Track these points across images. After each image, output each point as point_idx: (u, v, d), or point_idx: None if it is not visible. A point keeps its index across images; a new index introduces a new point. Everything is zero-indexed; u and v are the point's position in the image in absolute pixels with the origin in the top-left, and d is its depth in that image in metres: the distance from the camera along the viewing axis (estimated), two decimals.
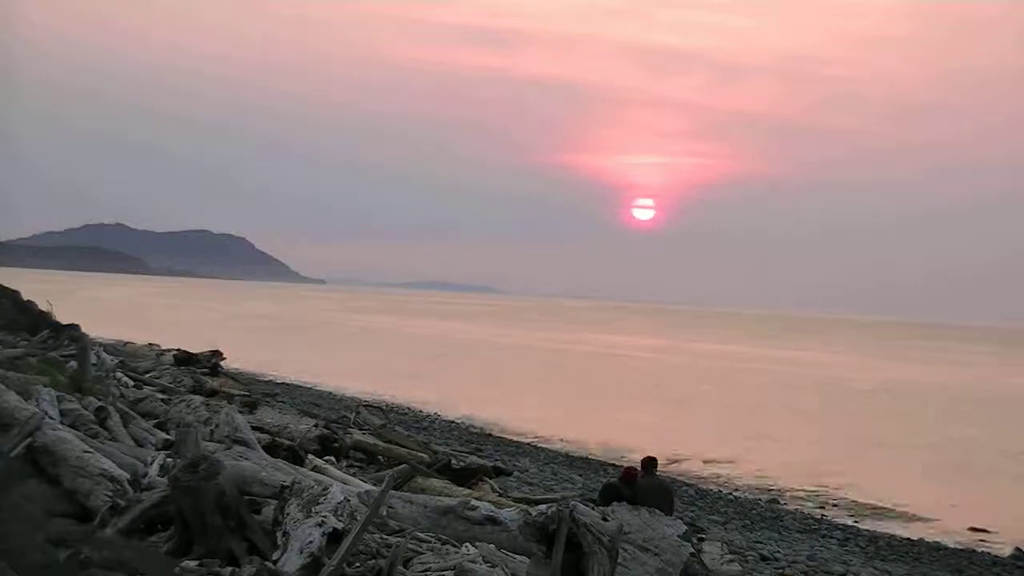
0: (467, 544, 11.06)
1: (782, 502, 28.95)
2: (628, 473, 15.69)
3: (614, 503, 14.09)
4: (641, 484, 14.85)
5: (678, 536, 12.13)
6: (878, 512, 28.89)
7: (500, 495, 18.09)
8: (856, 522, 27.15)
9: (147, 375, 25.28)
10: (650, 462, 15.16)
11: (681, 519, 14.13)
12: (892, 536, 25.48)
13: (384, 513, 11.14)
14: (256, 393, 29.88)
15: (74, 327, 27.85)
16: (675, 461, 33.87)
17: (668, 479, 23.96)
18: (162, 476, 11.29)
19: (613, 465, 30.95)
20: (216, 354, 32.17)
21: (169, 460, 12.05)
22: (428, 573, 9.98)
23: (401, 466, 18.41)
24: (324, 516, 9.44)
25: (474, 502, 12.39)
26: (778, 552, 21.58)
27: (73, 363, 18.98)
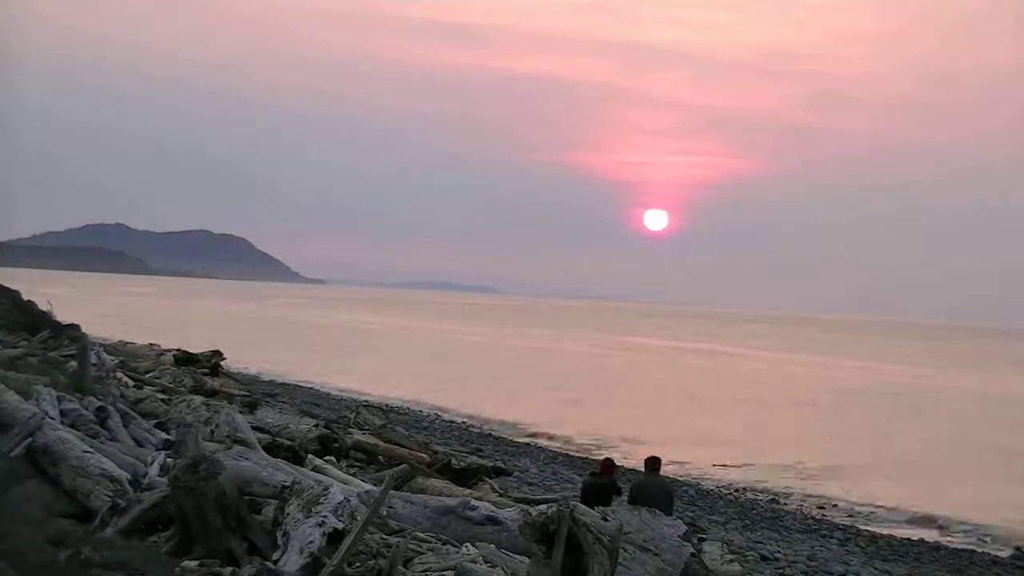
0: (467, 544, 11.06)
1: (782, 502, 28.95)
2: (605, 465, 15.67)
3: (613, 502, 14.10)
4: (642, 483, 14.85)
5: (678, 536, 12.12)
6: (878, 512, 28.89)
7: (500, 495, 18.07)
8: (856, 522, 27.15)
9: (147, 375, 25.25)
10: (653, 461, 15.15)
11: (681, 519, 14.12)
12: (892, 536, 25.48)
13: (384, 513, 11.14)
14: (256, 393, 29.88)
15: (74, 327, 27.83)
16: (676, 461, 33.86)
17: (668, 479, 23.96)
18: (162, 476, 11.29)
19: None
20: (216, 354, 32.11)
21: (169, 460, 12.04)
22: (428, 573, 9.99)
23: (401, 466, 18.40)
24: (324, 516, 9.44)
25: (474, 502, 12.40)
26: (778, 552, 21.58)
27: (73, 363, 18.96)
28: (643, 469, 15.59)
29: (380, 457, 20.05)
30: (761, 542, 22.44)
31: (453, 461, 19.51)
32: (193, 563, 9.18)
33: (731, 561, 16.43)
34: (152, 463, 12.09)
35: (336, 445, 19.59)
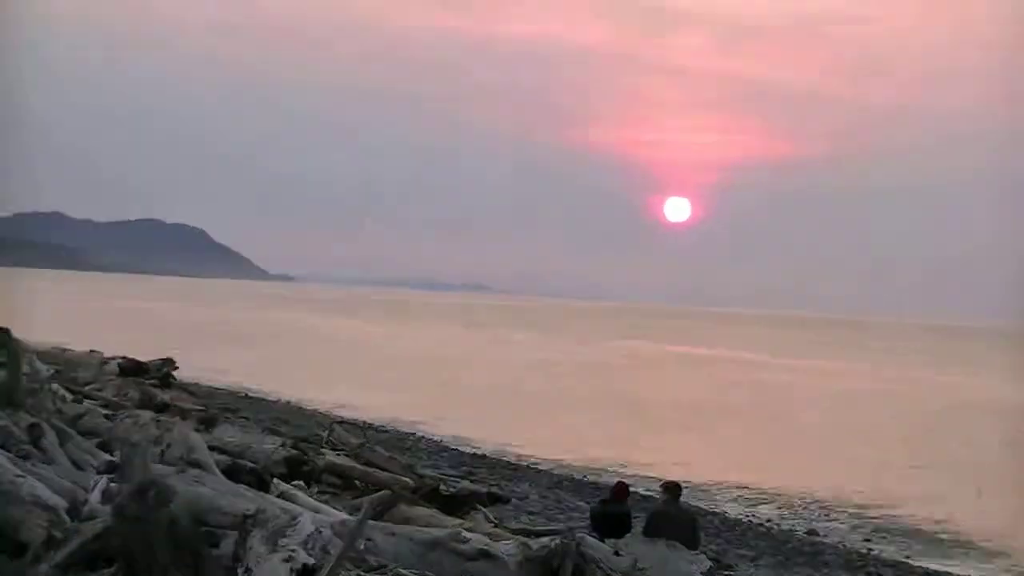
0: None
1: (822, 533, 28.98)
2: (619, 490, 15.66)
3: (628, 533, 14.12)
4: (660, 512, 14.88)
5: (701, 573, 12.15)
6: (934, 544, 28.94)
7: (496, 526, 18.09)
8: (908, 557, 27.17)
9: (88, 387, 25.25)
10: (672, 488, 15.19)
11: (705, 553, 14.14)
12: (950, 575, 25.49)
13: (362, 546, 11.13)
14: (214, 408, 29.85)
15: (3, 331, 27.78)
16: (698, 486, 33.89)
17: (691, 507, 24.00)
18: (105, 504, 11.27)
19: None
20: (168, 362, 32.14)
21: (113, 485, 12.03)
22: None
23: (381, 492, 18.40)
24: (292, 550, 9.44)
25: (466, 534, 12.39)
26: None
27: (1, 373, 18.94)
28: (660, 496, 15.62)
29: (357, 482, 20.06)
30: None
31: (441, 486, 19.54)
32: None
33: None
34: (93, 489, 12.07)
35: (306, 468, 19.59)
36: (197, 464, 15.18)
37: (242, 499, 12.07)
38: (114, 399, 23.57)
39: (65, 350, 39.25)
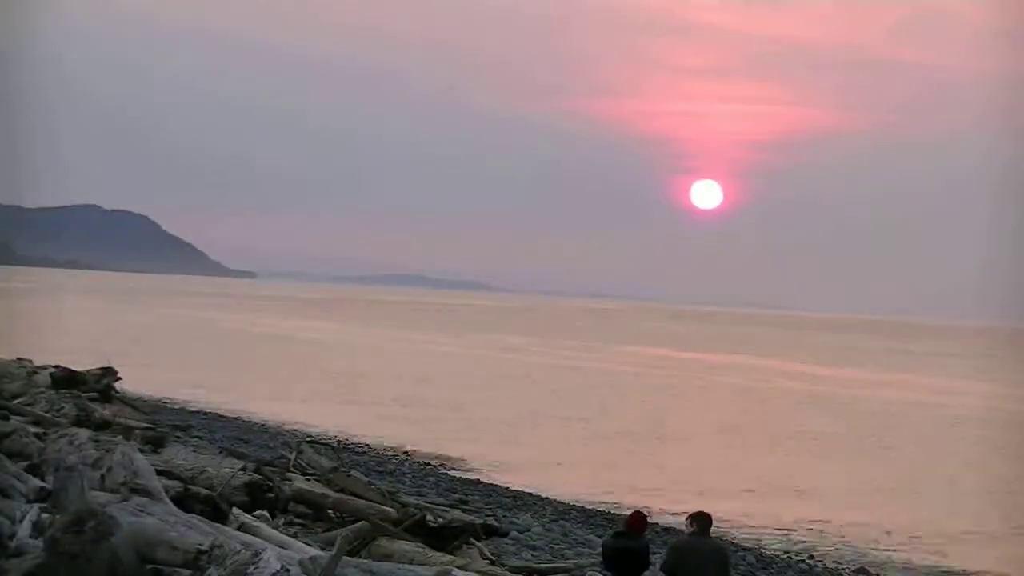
0: None
1: (875, 571, 28.99)
2: (635, 521, 15.64)
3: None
4: (686, 545, 14.89)
5: None
6: None
7: (492, 563, 18.11)
8: None
9: (15, 401, 25.26)
10: (701, 518, 15.17)
11: None
12: None
13: None
14: (163, 425, 29.85)
15: None
16: (726, 517, 33.88)
17: (721, 541, 23.99)
18: (35, 537, 11.26)
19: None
20: (108, 373, 32.12)
21: (45, 516, 12.02)
22: None
23: (359, 524, 18.43)
24: None
25: (457, 572, 12.39)
26: None
27: None
28: (686, 528, 15.61)
29: (330, 511, 20.09)
30: None
31: (429, 517, 19.56)
32: None
33: None
34: (22, 520, 12.06)
35: (270, 495, 19.61)
36: (143, 490, 15.18)
37: (195, 532, 12.05)
38: (46, 415, 23.56)
39: None
